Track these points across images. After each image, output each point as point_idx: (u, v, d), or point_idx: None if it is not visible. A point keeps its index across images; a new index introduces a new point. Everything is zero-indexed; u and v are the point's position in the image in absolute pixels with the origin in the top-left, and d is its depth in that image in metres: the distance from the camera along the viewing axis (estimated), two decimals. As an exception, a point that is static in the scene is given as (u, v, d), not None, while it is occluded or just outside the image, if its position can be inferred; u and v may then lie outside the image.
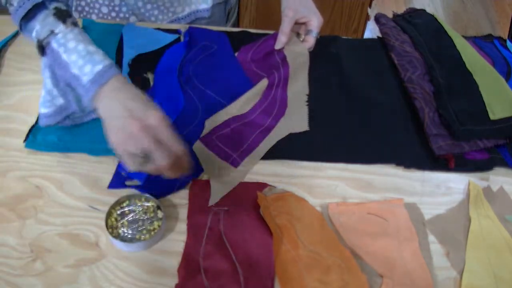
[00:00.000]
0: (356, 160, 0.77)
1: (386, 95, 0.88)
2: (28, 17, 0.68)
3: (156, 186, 0.69)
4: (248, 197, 0.69)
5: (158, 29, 0.96)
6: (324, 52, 0.94)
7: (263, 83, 0.85)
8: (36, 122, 0.77)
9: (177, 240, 0.65)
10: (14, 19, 0.68)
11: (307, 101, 0.85)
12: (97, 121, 0.77)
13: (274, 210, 0.68)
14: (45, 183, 0.70)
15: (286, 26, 0.90)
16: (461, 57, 0.91)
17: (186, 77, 0.86)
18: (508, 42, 1.00)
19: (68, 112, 0.74)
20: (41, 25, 0.66)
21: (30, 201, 0.68)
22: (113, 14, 0.99)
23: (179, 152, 0.59)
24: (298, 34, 0.94)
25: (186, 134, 0.77)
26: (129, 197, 0.67)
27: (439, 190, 0.74)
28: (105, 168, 0.72)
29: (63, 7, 0.68)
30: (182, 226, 0.66)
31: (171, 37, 0.94)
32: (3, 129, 0.77)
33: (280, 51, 0.92)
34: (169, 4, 0.98)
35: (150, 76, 0.86)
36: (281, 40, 0.91)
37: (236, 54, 0.93)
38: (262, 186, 0.71)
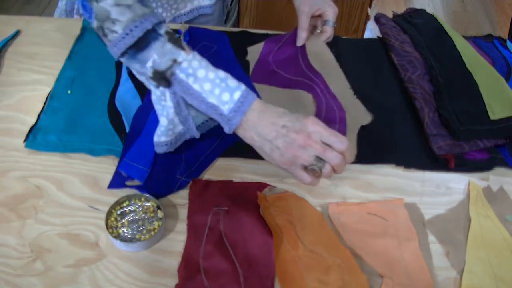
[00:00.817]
0: (356, 160, 0.77)
1: (386, 95, 0.88)
2: (140, 46, 0.62)
3: (156, 186, 0.69)
4: (248, 197, 0.69)
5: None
6: (324, 52, 0.94)
7: (306, 97, 0.85)
8: (36, 122, 0.77)
9: (177, 240, 0.65)
10: (117, 47, 0.62)
11: (354, 94, 0.85)
12: (97, 121, 0.77)
13: (274, 210, 0.68)
14: (45, 183, 0.70)
15: (304, 22, 0.90)
16: (461, 57, 0.91)
17: None
18: (508, 42, 1.00)
19: (186, 138, 0.71)
20: (159, 55, 0.62)
21: (30, 201, 0.68)
22: None
23: (346, 144, 0.61)
24: (314, 28, 0.94)
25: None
26: (129, 197, 0.67)
27: (439, 190, 0.74)
28: (105, 168, 0.72)
29: (170, 29, 0.64)
30: (182, 226, 0.66)
31: None
32: (3, 129, 0.77)
33: (303, 53, 0.92)
34: (173, 1, 0.98)
35: None
36: (302, 36, 0.91)
37: (260, 50, 0.93)
38: (262, 186, 0.71)
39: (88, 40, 0.92)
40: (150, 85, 0.65)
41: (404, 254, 0.65)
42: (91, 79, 0.85)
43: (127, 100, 0.81)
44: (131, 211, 0.67)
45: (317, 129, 0.60)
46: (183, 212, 0.68)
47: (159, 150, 0.70)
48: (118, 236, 0.64)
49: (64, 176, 0.71)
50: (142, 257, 0.63)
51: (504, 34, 2.46)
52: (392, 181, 0.75)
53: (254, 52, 0.93)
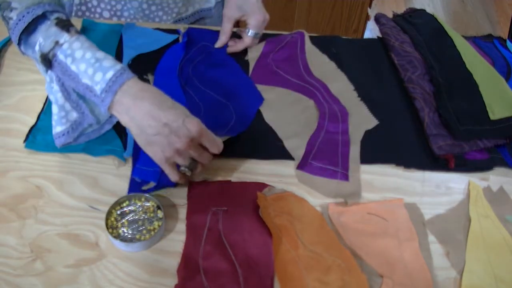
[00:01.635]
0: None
1: (386, 95, 0.88)
2: (29, 30, 0.65)
3: (169, 180, 0.68)
4: (248, 197, 0.69)
5: (158, 29, 0.96)
6: (324, 52, 0.94)
7: (309, 102, 0.85)
8: (36, 122, 0.77)
9: (177, 240, 0.65)
10: (14, 33, 0.65)
11: (358, 96, 0.85)
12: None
13: (274, 210, 0.68)
14: (45, 183, 0.70)
15: (225, 26, 0.90)
16: (461, 57, 0.91)
17: (186, 77, 0.86)
18: (508, 42, 1.00)
19: (84, 126, 0.71)
20: (44, 37, 0.64)
21: (30, 201, 0.68)
22: (115, 19, 0.99)
23: (221, 146, 0.64)
24: (239, 34, 0.94)
25: None
26: (129, 197, 0.67)
27: (439, 190, 0.74)
28: (105, 168, 0.72)
29: (64, 17, 0.66)
30: (182, 226, 0.66)
31: (171, 37, 0.94)
32: (3, 129, 0.77)
33: (304, 58, 0.92)
34: (174, 5, 0.98)
35: (150, 77, 0.86)
36: (221, 40, 0.91)
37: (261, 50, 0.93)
38: (262, 186, 0.71)
39: (88, 40, 0.92)
40: (42, 71, 0.66)
41: (404, 254, 0.65)
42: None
43: None
44: (131, 211, 0.67)
45: (199, 134, 0.61)
46: (183, 212, 0.68)
47: (58, 142, 0.69)
48: (118, 236, 0.64)
49: (64, 176, 0.71)
50: (142, 257, 0.63)
51: (504, 34, 2.46)
52: (392, 181, 0.75)
53: (254, 52, 0.93)
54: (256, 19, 0.88)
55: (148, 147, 0.61)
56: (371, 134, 0.80)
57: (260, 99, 0.84)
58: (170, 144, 0.60)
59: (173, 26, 0.98)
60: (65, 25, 0.65)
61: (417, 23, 0.99)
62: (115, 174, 0.72)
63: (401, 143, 0.80)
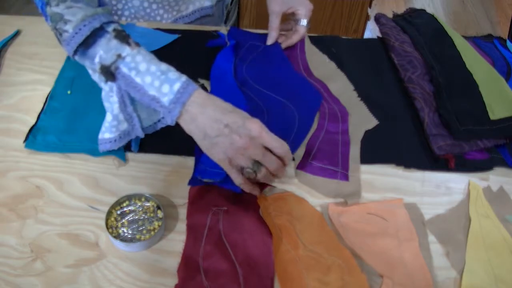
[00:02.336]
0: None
1: (386, 95, 0.88)
2: (88, 43, 0.66)
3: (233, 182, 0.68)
4: (248, 196, 0.69)
5: (158, 29, 0.96)
6: (324, 52, 0.94)
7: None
8: (36, 122, 0.77)
9: (177, 240, 0.65)
10: (69, 45, 0.66)
11: (358, 96, 0.85)
12: (97, 121, 0.77)
13: (274, 210, 0.68)
14: (45, 183, 0.70)
15: (274, 21, 0.90)
16: (461, 57, 0.91)
17: (241, 78, 0.87)
18: (508, 42, 1.00)
19: (132, 137, 0.72)
20: (104, 50, 0.65)
21: (30, 201, 0.68)
22: (115, 17, 0.99)
23: (285, 149, 0.62)
24: (287, 29, 0.94)
25: None
26: (129, 197, 0.67)
27: (439, 190, 0.74)
28: (105, 168, 0.72)
29: (119, 28, 0.67)
30: (182, 226, 0.66)
31: (171, 37, 0.94)
32: (3, 129, 0.77)
33: (304, 59, 0.92)
34: (174, 3, 0.99)
35: (205, 82, 0.86)
36: (272, 36, 0.91)
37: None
38: (262, 186, 0.71)
39: (88, 40, 0.92)
40: (100, 81, 0.67)
41: (404, 254, 0.65)
42: (91, 79, 0.85)
43: None
44: (131, 211, 0.67)
45: (260, 134, 0.61)
46: (183, 212, 0.68)
47: (102, 147, 0.71)
48: (118, 236, 0.64)
49: (64, 176, 0.71)
50: (142, 257, 0.63)
51: (504, 34, 2.46)
52: (392, 181, 0.75)
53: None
54: (306, 8, 0.89)
55: (212, 150, 0.63)
56: (371, 134, 0.80)
57: (319, 98, 0.84)
58: (231, 144, 0.61)
59: (173, 26, 0.98)
60: (123, 37, 0.66)
61: (417, 23, 0.99)
62: (115, 174, 0.72)
63: (401, 143, 0.80)
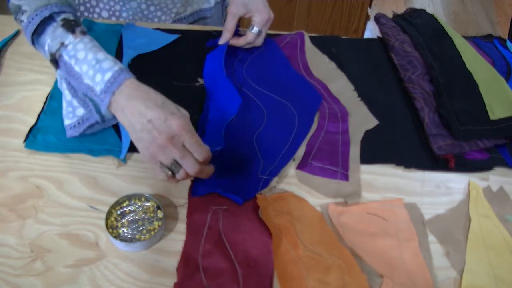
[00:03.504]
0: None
1: (386, 95, 0.88)
2: (38, 32, 0.68)
3: (241, 189, 0.69)
4: (248, 197, 0.69)
5: (158, 29, 0.96)
6: (324, 52, 0.94)
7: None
8: (36, 122, 0.77)
9: (177, 240, 0.65)
10: (26, 35, 0.69)
11: (358, 96, 0.86)
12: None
13: (274, 210, 0.68)
14: (45, 183, 0.70)
15: (229, 22, 0.90)
16: (461, 57, 0.91)
17: (241, 79, 0.87)
18: (508, 42, 1.00)
19: (91, 122, 0.73)
20: (51, 38, 0.67)
21: (30, 201, 0.68)
22: (113, 18, 0.99)
23: (206, 154, 0.61)
24: (241, 30, 0.94)
25: (256, 136, 0.77)
26: (129, 197, 0.67)
27: (439, 190, 0.74)
28: (105, 168, 0.72)
29: (71, 17, 0.68)
30: (182, 226, 0.66)
31: (171, 37, 0.94)
32: (3, 129, 0.77)
33: (304, 59, 0.92)
34: (172, 5, 0.98)
35: (201, 81, 0.86)
36: (225, 36, 0.91)
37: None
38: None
39: (88, 40, 0.92)
40: (53, 67, 0.69)
41: (404, 254, 0.65)
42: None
43: None
44: (131, 211, 0.67)
45: (181, 133, 0.60)
46: (183, 212, 0.68)
47: (67, 134, 0.74)
48: (118, 236, 0.64)
49: (64, 176, 0.71)
50: (142, 257, 0.63)
51: (504, 34, 2.46)
52: (392, 181, 0.75)
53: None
54: (261, 17, 0.89)
55: (137, 143, 0.63)
56: (371, 134, 0.80)
57: (319, 98, 0.84)
58: (152, 140, 0.60)
59: (173, 26, 0.98)
60: (70, 25, 0.67)
61: (417, 23, 0.99)
62: (115, 174, 0.72)
63: (401, 143, 0.80)
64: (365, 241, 0.66)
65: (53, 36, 0.67)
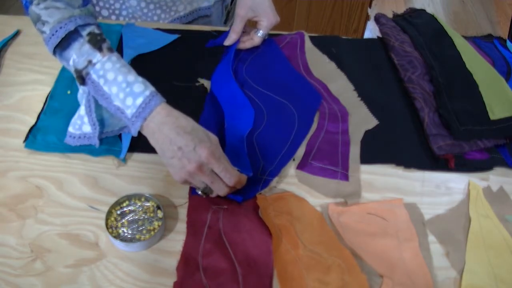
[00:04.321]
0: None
1: (386, 95, 0.88)
2: (63, 46, 0.67)
3: (241, 189, 0.68)
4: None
5: (158, 29, 0.96)
6: (324, 52, 0.94)
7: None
8: (36, 122, 0.77)
9: (177, 240, 0.65)
10: (48, 46, 0.68)
11: (358, 96, 0.86)
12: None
13: (274, 210, 0.68)
14: (45, 183, 0.70)
15: (237, 25, 0.91)
16: (461, 57, 0.91)
17: (241, 79, 0.87)
18: (508, 42, 1.00)
19: (89, 143, 0.73)
20: (77, 55, 0.66)
21: (30, 201, 0.68)
22: (113, 17, 0.99)
23: (235, 179, 0.64)
24: (246, 32, 0.95)
25: (256, 136, 0.77)
26: (129, 197, 0.67)
27: (439, 190, 0.74)
28: (105, 168, 0.72)
29: (96, 31, 0.67)
30: (182, 226, 0.66)
31: (171, 37, 0.94)
32: (3, 129, 0.77)
33: (304, 60, 0.92)
34: (171, 3, 0.99)
35: (205, 82, 0.86)
36: (231, 37, 0.92)
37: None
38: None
39: (88, 40, 0.92)
40: (77, 82, 0.69)
41: (404, 254, 0.65)
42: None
43: None
44: (131, 211, 0.67)
45: (210, 161, 0.62)
46: (183, 212, 0.68)
47: (66, 139, 0.74)
48: (118, 236, 0.64)
49: (64, 176, 0.71)
50: (142, 257, 0.63)
51: (504, 34, 2.46)
52: (392, 181, 0.75)
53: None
54: (269, 21, 0.90)
55: (169, 167, 0.65)
56: (371, 134, 0.80)
57: (319, 98, 0.84)
58: (182, 167, 0.62)
59: (173, 26, 0.98)
60: (97, 41, 0.66)
61: (417, 23, 0.99)
62: (115, 174, 0.72)
63: (401, 143, 0.80)
64: (365, 241, 0.66)
65: (80, 53, 0.66)
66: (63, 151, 0.74)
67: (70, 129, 0.74)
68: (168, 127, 0.63)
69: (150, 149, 0.75)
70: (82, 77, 0.67)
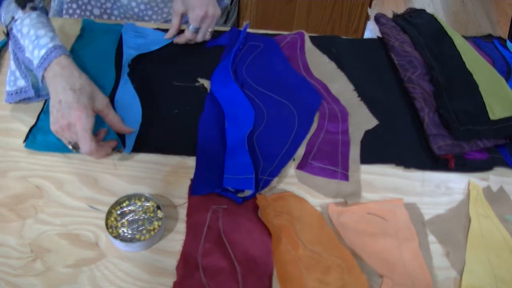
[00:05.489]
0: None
1: (386, 95, 0.88)
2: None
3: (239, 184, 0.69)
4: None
5: (158, 29, 0.96)
6: (324, 52, 0.94)
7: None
8: (36, 122, 0.77)
9: (177, 240, 0.65)
10: None
11: (358, 96, 0.86)
12: (97, 122, 0.78)
13: (274, 210, 0.68)
14: (45, 183, 0.70)
15: (173, 20, 0.92)
16: (461, 57, 0.91)
17: (241, 79, 0.87)
18: (508, 42, 1.00)
19: (27, 96, 0.76)
20: (5, 12, 0.74)
21: (30, 201, 0.68)
22: (105, 16, 0.99)
23: (86, 150, 0.66)
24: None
25: (256, 136, 0.77)
26: (129, 197, 0.67)
27: (439, 190, 0.74)
28: (105, 168, 0.72)
29: None
30: (182, 226, 0.66)
31: (164, 40, 0.93)
32: (3, 129, 0.77)
33: (304, 59, 0.92)
34: (163, 5, 0.99)
35: (205, 82, 0.86)
36: (169, 33, 0.92)
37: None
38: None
39: (88, 40, 0.92)
40: (5, 38, 0.75)
41: (404, 254, 0.65)
42: (90, 79, 0.85)
43: (126, 102, 0.81)
44: (131, 211, 0.67)
45: (75, 124, 0.66)
46: (183, 212, 0.68)
47: (6, 99, 0.78)
48: (118, 236, 0.64)
49: (64, 176, 0.71)
50: (142, 257, 0.63)
51: (504, 34, 2.46)
52: (392, 181, 0.75)
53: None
54: (195, 14, 0.88)
55: (49, 114, 0.70)
56: (371, 134, 0.80)
57: (318, 98, 0.84)
58: (57, 120, 0.67)
59: (167, 26, 0.98)
60: (23, 1, 0.73)
61: (417, 23, 0.99)
62: (115, 174, 0.72)
63: (401, 143, 0.80)
64: (365, 241, 0.66)
65: (7, 10, 0.73)
66: (63, 151, 0.74)
67: (7, 88, 0.78)
68: (60, 79, 0.68)
69: (150, 149, 0.75)
70: (7, 33, 0.74)
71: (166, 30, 0.95)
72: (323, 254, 0.64)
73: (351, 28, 1.92)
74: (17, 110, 0.80)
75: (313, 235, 0.66)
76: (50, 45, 0.70)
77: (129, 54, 0.89)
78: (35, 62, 0.70)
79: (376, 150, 0.78)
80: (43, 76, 0.70)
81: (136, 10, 0.98)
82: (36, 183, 0.70)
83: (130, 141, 0.75)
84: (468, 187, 0.75)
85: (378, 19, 1.02)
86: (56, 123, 0.67)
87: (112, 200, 0.66)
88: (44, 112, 0.79)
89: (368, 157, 0.77)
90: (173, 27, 0.92)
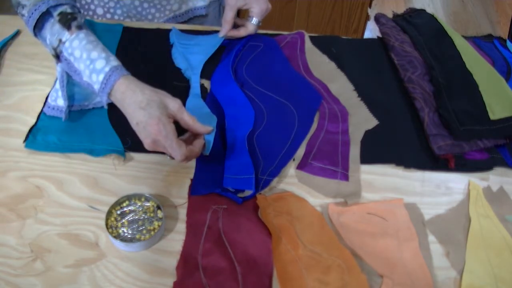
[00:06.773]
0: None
1: (386, 95, 0.88)
2: (39, 27, 0.71)
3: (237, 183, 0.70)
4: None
5: (158, 29, 0.96)
6: (324, 52, 0.94)
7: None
8: (36, 122, 0.77)
9: (177, 240, 0.65)
10: (29, 29, 0.72)
11: (358, 96, 0.86)
12: (97, 121, 0.78)
13: (274, 210, 0.68)
14: (45, 183, 0.70)
15: (227, 15, 0.91)
16: (461, 57, 0.91)
17: (241, 79, 0.87)
18: (508, 42, 1.00)
19: (60, 116, 0.77)
20: (50, 34, 0.70)
21: (30, 201, 0.68)
22: (108, 15, 0.99)
23: (181, 157, 0.65)
24: (241, 23, 0.94)
25: (256, 137, 0.77)
26: (129, 197, 0.67)
27: (439, 190, 0.74)
28: (105, 168, 0.72)
29: (68, 10, 0.71)
30: (182, 226, 0.66)
31: (220, 40, 0.93)
32: (3, 129, 0.77)
33: (304, 59, 0.92)
34: (166, 2, 0.99)
35: (205, 82, 0.86)
36: (224, 28, 0.92)
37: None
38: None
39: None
40: (55, 61, 0.73)
41: (404, 254, 0.65)
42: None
43: (197, 108, 0.81)
44: (131, 211, 0.67)
45: (158, 138, 0.64)
46: (183, 212, 0.68)
47: (45, 110, 0.78)
48: (118, 236, 0.64)
49: (64, 176, 0.71)
50: (142, 257, 0.63)
51: (504, 34, 2.46)
52: (392, 181, 0.75)
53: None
54: (260, 7, 0.90)
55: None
56: (371, 134, 0.80)
57: (318, 98, 0.84)
58: (144, 140, 0.66)
59: (170, 26, 0.98)
60: (67, 20, 0.70)
61: (417, 23, 0.99)
62: (115, 174, 0.72)
63: (401, 143, 0.80)
64: (365, 241, 0.66)
65: (52, 32, 0.70)
66: (63, 151, 0.74)
67: (49, 99, 0.79)
68: (127, 102, 0.66)
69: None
70: (57, 56, 0.71)
71: (168, 31, 0.95)
72: (323, 254, 0.64)
73: (351, 28, 1.92)
74: (17, 110, 0.80)
75: (313, 235, 0.66)
76: (107, 68, 0.67)
77: (200, 59, 0.89)
78: (96, 86, 0.68)
79: (376, 150, 0.78)
80: (110, 100, 0.69)
81: (139, 9, 0.98)
82: (36, 183, 0.70)
83: (208, 142, 0.72)
84: (468, 187, 0.75)
85: (378, 19, 1.02)
86: (145, 144, 0.66)
87: (112, 200, 0.66)
88: (45, 112, 0.79)
89: (368, 157, 0.77)
90: (227, 22, 0.91)
